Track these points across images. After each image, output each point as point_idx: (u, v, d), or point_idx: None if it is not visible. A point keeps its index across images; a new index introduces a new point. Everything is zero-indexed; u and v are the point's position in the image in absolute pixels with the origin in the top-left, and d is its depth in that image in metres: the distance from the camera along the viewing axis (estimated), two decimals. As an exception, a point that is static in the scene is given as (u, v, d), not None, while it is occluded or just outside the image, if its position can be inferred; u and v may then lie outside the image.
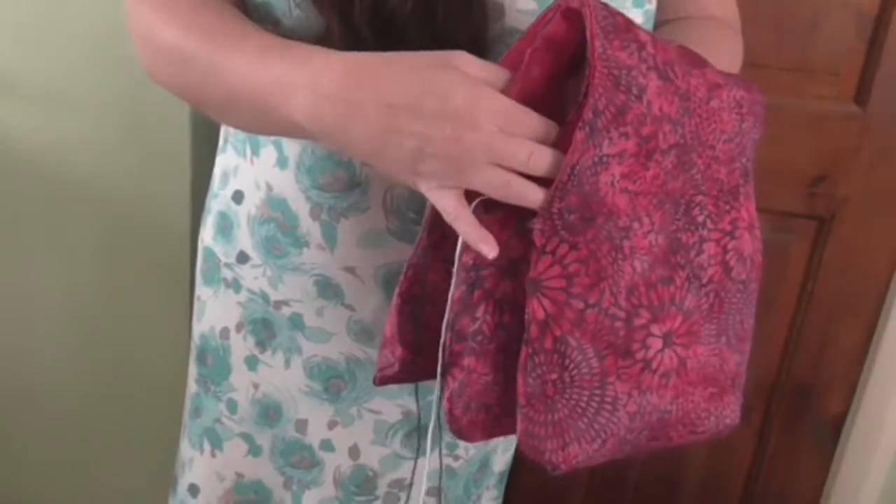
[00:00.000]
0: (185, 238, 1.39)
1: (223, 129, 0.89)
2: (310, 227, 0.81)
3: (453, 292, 0.68)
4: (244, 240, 0.86)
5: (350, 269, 0.82)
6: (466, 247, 0.66)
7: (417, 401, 0.85)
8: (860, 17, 1.34)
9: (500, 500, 1.07)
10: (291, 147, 0.80)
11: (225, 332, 0.89)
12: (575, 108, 0.63)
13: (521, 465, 1.60)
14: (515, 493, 1.64)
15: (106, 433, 1.56)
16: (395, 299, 0.73)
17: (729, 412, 0.77)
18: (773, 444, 1.59)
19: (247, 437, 0.92)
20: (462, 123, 0.60)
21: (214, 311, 0.90)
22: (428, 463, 0.91)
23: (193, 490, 0.97)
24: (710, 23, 0.86)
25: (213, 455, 0.94)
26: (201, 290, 0.92)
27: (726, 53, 0.84)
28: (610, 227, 0.65)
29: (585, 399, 0.68)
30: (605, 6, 0.63)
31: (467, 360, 0.69)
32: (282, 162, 0.81)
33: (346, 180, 0.78)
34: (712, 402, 0.74)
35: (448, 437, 0.92)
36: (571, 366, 0.66)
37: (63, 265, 1.44)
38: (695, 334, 0.71)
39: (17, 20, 1.29)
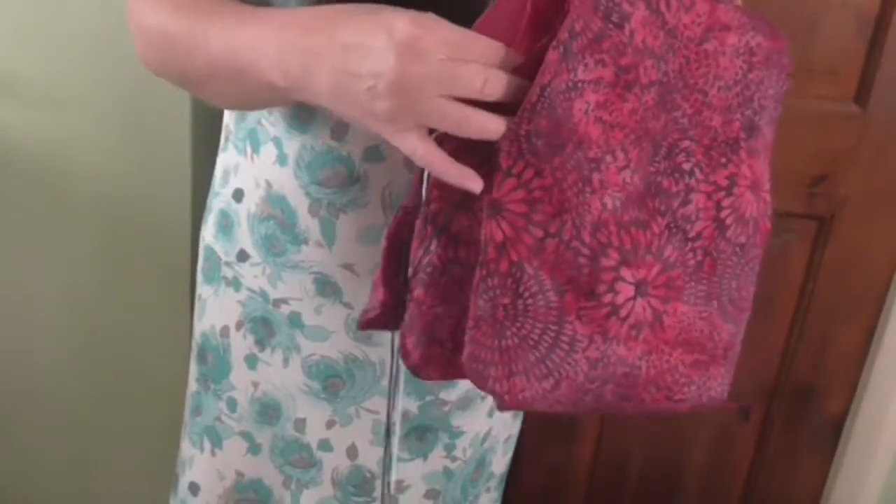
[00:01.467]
0: (186, 237, 1.39)
1: (224, 129, 0.89)
2: (309, 224, 0.81)
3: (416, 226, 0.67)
4: (244, 238, 0.86)
5: (349, 267, 0.82)
6: (431, 182, 0.65)
7: (390, 401, 0.86)
8: (860, 18, 1.34)
9: (499, 502, 1.07)
10: (291, 144, 0.80)
11: (225, 331, 0.89)
12: (549, 35, 0.61)
13: (521, 466, 1.61)
14: (515, 493, 1.64)
15: (107, 433, 1.56)
16: (382, 241, 0.71)
17: (716, 384, 0.73)
18: (774, 445, 1.59)
19: (247, 436, 0.92)
20: (408, 54, 0.58)
21: (215, 309, 0.90)
22: (426, 466, 0.92)
23: (194, 489, 0.97)
24: None
25: (214, 454, 0.94)
26: (202, 289, 0.92)
27: None
28: (579, 157, 0.63)
29: (539, 332, 0.65)
30: None
31: (417, 292, 0.67)
32: (281, 159, 0.81)
33: (345, 175, 0.78)
34: (696, 369, 0.71)
35: (446, 438, 0.92)
36: (527, 294, 0.64)
37: (64, 265, 1.44)
38: (676, 289, 0.68)
39: (17, 20, 1.29)
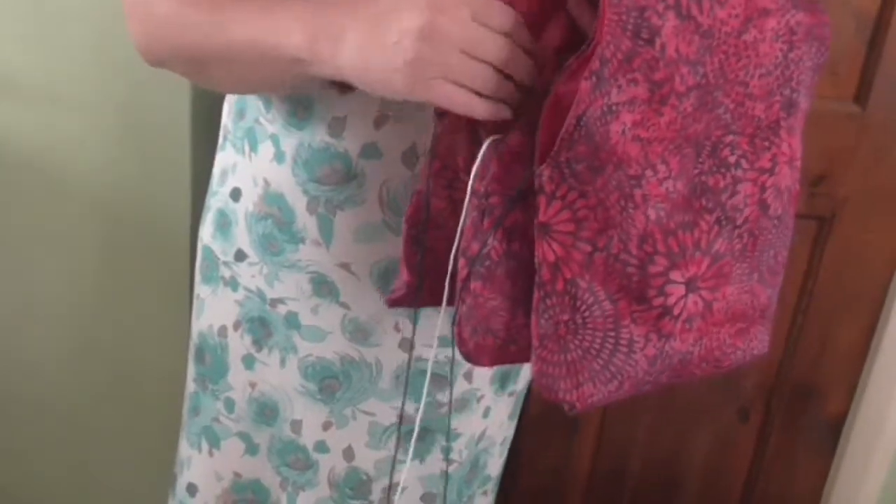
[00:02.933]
0: (185, 238, 1.39)
1: (223, 128, 0.89)
2: (306, 222, 0.81)
3: (464, 220, 0.68)
4: (242, 237, 0.86)
5: (346, 266, 0.82)
6: (479, 174, 0.66)
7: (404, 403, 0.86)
8: (859, 17, 1.34)
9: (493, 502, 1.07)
10: (288, 142, 0.80)
11: (223, 331, 0.89)
12: (576, 53, 0.62)
13: (521, 465, 1.61)
14: (515, 493, 1.64)
15: (106, 433, 1.56)
16: (403, 225, 0.73)
17: (757, 343, 0.75)
18: (774, 444, 1.59)
19: (244, 437, 0.92)
20: (436, 7, 0.61)
21: (213, 309, 0.90)
22: (424, 468, 0.92)
23: (192, 489, 0.97)
24: None
25: (211, 454, 0.94)
26: (200, 289, 0.92)
27: None
28: (620, 177, 0.64)
29: (599, 340, 0.68)
30: None
31: (474, 285, 0.68)
32: (279, 156, 0.81)
33: (343, 172, 0.79)
34: (739, 337, 0.73)
35: (443, 440, 0.92)
36: (583, 307, 0.66)
37: (63, 265, 1.44)
38: (725, 276, 0.70)
39: (17, 20, 1.29)
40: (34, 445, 1.58)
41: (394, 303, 0.77)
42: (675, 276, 0.67)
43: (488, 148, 0.66)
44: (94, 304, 1.46)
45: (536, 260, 0.65)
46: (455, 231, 0.69)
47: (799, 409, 1.56)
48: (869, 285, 1.47)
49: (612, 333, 0.68)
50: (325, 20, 0.66)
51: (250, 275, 0.86)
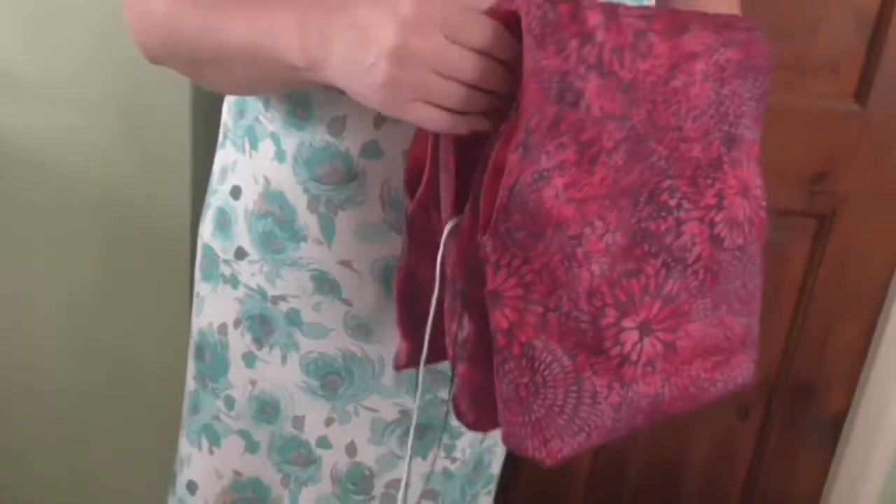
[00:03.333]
0: (185, 236, 1.39)
1: (223, 126, 0.89)
2: (307, 221, 0.81)
3: (440, 299, 0.70)
4: (242, 235, 0.86)
5: (347, 264, 0.82)
6: (445, 258, 0.67)
7: (420, 394, 0.85)
8: (860, 15, 1.34)
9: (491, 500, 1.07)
10: (289, 141, 0.80)
11: (223, 329, 0.89)
12: (507, 122, 0.63)
13: (521, 465, 1.61)
14: (515, 494, 1.64)
15: (106, 432, 1.56)
16: (394, 294, 0.75)
17: (740, 372, 0.76)
18: (774, 442, 1.59)
19: (244, 434, 0.92)
20: (409, 29, 0.61)
21: (213, 307, 0.90)
22: (426, 465, 0.92)
23: (192, 487, 0.97)
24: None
25: (211, 452, 0.94)
26: (200, 287, 0.92)
27: None
28: (560, 238, 0.65)
29: (562, 396, 0.68)
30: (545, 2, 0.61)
31: (460, 367, 0.70)
32: (280, 155, 0.81)
33: (344, 172, 0.78)
34: (718, 369, 0.74)
35: (445, 438, 0.92)
36: (542, 367, 0.67)
37: (63, 264, 1.44)
38: (684, 315, 0.71)
39: (17, 19, 1.30)
40: (34, 445, 1.58)
41: (399, 368, 0.79)
42: (627, 323, 0.68)
43: (448, 233, 0.67)
44: (94, 304, 1.46)
45: (491, 327, 0.65)
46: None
47: (799, 408, 1.56)
48: (869, 283, 1.47)
49: (575, 388, 0.68)
50: (313, 28, 0.66)
51: (250, 273, 0.86)
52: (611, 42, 0.62)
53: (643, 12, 0.64)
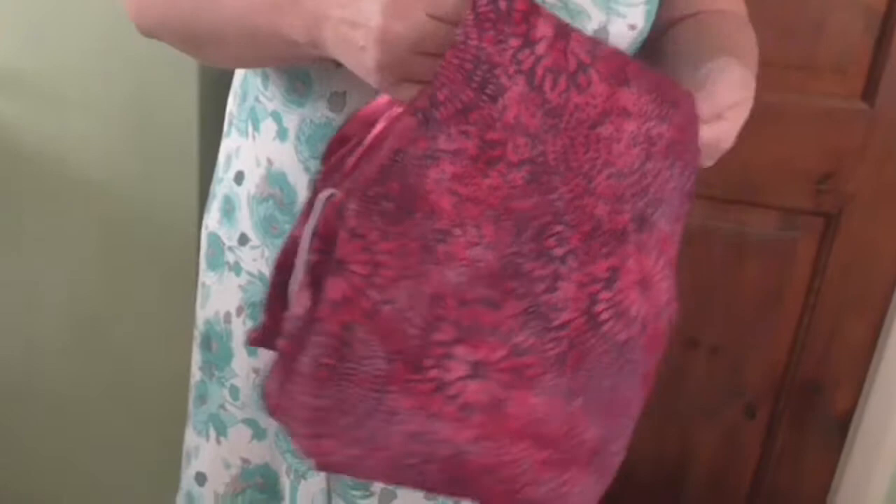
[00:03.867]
0: (193, 233, 1.40)
1: (227, 116, 0.90)
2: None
3: (294, 279, 0.67)
4: (244, 221, 0.87)
5: None
6: (316, 233, 0.64)
7: None
8: (868, 14, 1.34)
9: None
10: (290, 118, 0.81)
11: (228, 317, 0.90)
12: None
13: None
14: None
15: (109, 429, 1.56)
16: (271, 269, 0.69)
17: (576, 490, 0.67)
18: (781, 441, 1.59)
19: (250, 423, 0.92)
20: (391, 13, 0.61)
21: (219, 295, 0.91)
22: None
23: (200, 478, 0.97)
24: (728, 16, 0.87)
25: (219, 442, 0.95)
26: (206, 276, 0.93)
27: (746, 47, 0.84)
28: (426, 227, 0.61)
29: (356, 398, 0.63)
30: None
31: (282, 343, 0.65)
32: (281, 134, 0.82)
33: None
34: (548, 468, 0.66)
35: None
36: (353, 357, 0.62)
37: (70, 261, 1.45)
38: (527, 379, 0.63)
39: (23, 18, 1.30)
40: (36, 442, 1.59)
41: (254, 342, 0.74)
42: (460, 351, 0.62)
43: (323, 203, 0.64)
44: (100, 299, 1.47)
45: (322, 293, 0.61)
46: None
47: (806, 406, 1.56)
48: (876, 283, 1.47)
49: (375, 395, 0.62)
50: (309, 4, 0.66)
51: (252, 258, 0.87)
52: (550, 60, 0.60)
53: (596, 48, 0.61)
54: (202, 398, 0.95)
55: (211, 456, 0.96)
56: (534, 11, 0.59)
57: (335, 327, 0.61)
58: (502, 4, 0.58)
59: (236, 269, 0.88)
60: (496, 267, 0.62)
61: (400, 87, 0.63)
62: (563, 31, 0.60)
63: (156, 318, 1.46)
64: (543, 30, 0.59)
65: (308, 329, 0.63)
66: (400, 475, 0.66)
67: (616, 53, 0.62)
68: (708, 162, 0.72)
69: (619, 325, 0.65)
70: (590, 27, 0.74)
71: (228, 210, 0.89)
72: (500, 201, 0.62)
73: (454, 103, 0.60)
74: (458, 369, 0.62)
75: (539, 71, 0.60)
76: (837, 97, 1.39)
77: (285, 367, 0.64)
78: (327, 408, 0.63)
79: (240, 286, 0.89)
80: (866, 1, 1.33)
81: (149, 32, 0.80)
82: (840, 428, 1.56)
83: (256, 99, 0.84)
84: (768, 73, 1.35)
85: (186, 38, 0.77)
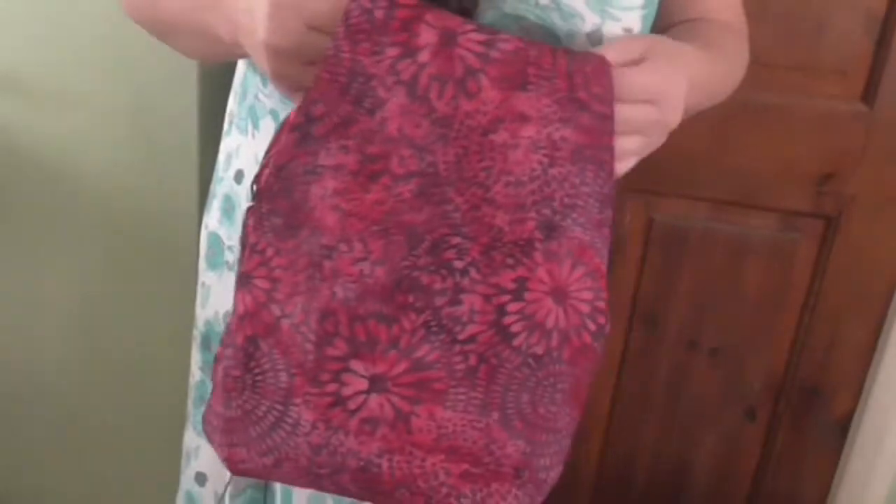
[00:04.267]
0: (193, 233, 1.40)
1: (228, 115, 0.90)
2: None
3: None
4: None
5: None
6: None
7: None
8: (868, 16, 1.34)
9: None
10: (287, 114, 0.81)
11: (228, 317, 0.90)
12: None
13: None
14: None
15: (112, 430, 1.56)
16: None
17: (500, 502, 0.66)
18: (781, 443, 1.58)
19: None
20: (271, 27, 0.61)
21: (218, 296, 0.91)
22: None
23: (201, 479, 0.97)
24: (717, 24, 0.87)
25: (218, 442, 0.94)
26: (205, 276, 0.93)
27: (732, 55, 0.84)
28: (312, 243, 0.61)
29: (264, 409, 0.64)
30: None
31: (219, 348, 0.68)
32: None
33: None
34: (467, 481, 0.65)
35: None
36: (257, 370, 0.63)
37: (71, 262, 1.45)
38: (434, 392, 0.63)
39: (22, 18, 1.30)
40: (39, 443, 1.59)
41: None
42: (357, 366, 0.62)
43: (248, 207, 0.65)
44: (101, 302, 1.47)
45: (231, 306, 0.62)
46: None
47: (806, 409, 1.56)
48: (876, 285, 1.46)
49: (280, 407, 0.63)
50: (226, 6, 0.68)
51: None
52: (435, 68, 0.58)
53: (489, 49, 0.59)
54: (202, 398, 0.95)
55: (211, 456, 0.96)
56: (416, 18, 0.58)
57: (241, 340, 0.63)
58: (378, 14, 0.57)
59: (235, 268, 0.88)
60: (388, 281, 0.62)
61: (296, 95, 0.64)
62: (450, 36, 0.58)
63: (157, 318, 1.46)
64: (427, 37, 0.58)
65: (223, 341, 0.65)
66: (317, 483, 0.66)
67: (517, 52, 0.60)
68: (654, 138, 0.69)
69: (533, 337, 0.63)
70: (583, 29, 0.73)
71: (228, 209, 0.89)
72: (385, 215, 0.61)
73: (331, 118, 0.59)
74: (355, 383, 0.63)
75: (423, 80, 0.58)
76: (838, 99, 1.39)
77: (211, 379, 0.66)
78: (237, 418, 0.64)
79: None
80: (866, 3, 1.33)
81: (137, 23, 0.85)
82: (840, 431, 1.56)
83: (256, 97, 0.84)
84: (768, 75, 1.36)
85: (157, 32, 0.82)
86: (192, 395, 0.97)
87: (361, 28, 0.57)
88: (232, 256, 0.89)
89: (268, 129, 0.83)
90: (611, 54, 0.63)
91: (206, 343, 0.93)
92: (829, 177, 1.42)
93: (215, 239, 0.91)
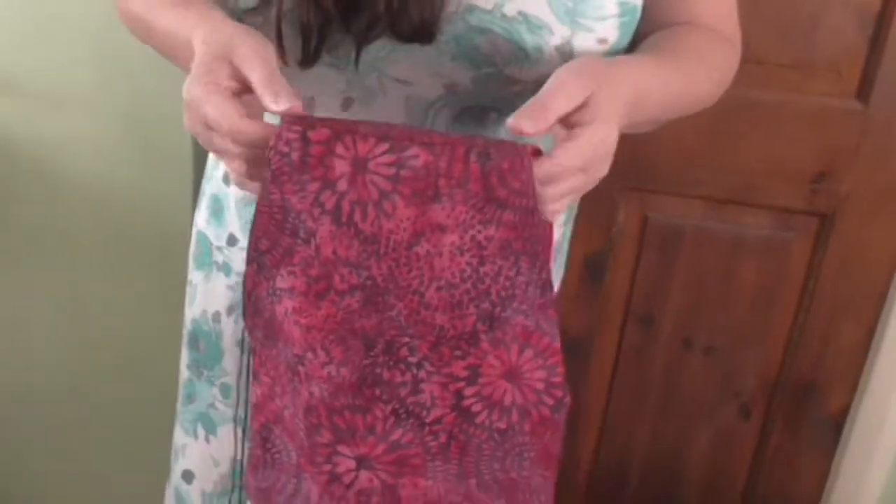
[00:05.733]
0: (187, 234, 1.40)
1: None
2: None
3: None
4: (233, 222, 0.86)
5: None
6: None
7: None
8: (862, 14, 1.34)
9: None
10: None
11: (217, 316, 0.90)
12: None
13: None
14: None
15: (106, 428, 1.56)
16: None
17: None
18: (775, 442, 1.58)
19: (241, 421, 0.92)
20: (188, 102, 0.64)
21: (206, 295, 0.91)
22: None
23: (188, 476, 0.97)
24: (702, 31, 0.82)
25: (208, 440, 0.94)
26: (193, 275, 0.93)
27: (710, 63, 0.80)
28: (287, 352, 0.68)
29: (283, 482, 0.74)
30: (298, 139, 0.61)
31: (252, 422, 0.79)
32: None
33: None
34: None
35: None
36: (273, 450, 0.73)
37: (65, 262, 1.45)
38: (412, 466, 0.71)
39: (17, 19, 1.30)
40: (33, 442, 1.59)
41: None
42: (343, 449, 0.71)
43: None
44: (95, 300, 1.47)
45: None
46: None
47: (800, 407, 1.56)
48: (871, 283, 1.46)
49: (294, 480, 0.73)
50: (193, 43, 0.68)
51: (241, 259, 0.87)
52: (353, 194, 0.62)
53: (399, 169, 0.62)
54: (190, 397, 0.95)
55: (199, 454, 0.96)
56: (329, 153, 0.61)
57: (257, 426, 0.74)
58: (295, 157, 0.61)
59: (225, 269, 0.88)
60: (354, 379, 0.69)
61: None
62: (362, 163, 0.62)
63: (151, 317, 1.46)
64: (341, 168, 0.62)
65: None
66: None
67: (427, 167, 0.62)
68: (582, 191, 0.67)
69: (494, 414, 0.69)
70: (552, 42, 0.71)
71: (217, 210, 0.89)
72: (339, 325, 0.67)
73: (277, 250, 0.65)
74: (345, 463, 0.71)
75: (345, 206, 0.63)
76: (832, 97, 1.39)
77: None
78: (266, 488, 0.75)
79: (229, 286, 0.88)
80: (860, 1, 1.33)
81: (125, 24, 0.86)
82: (834, 428, 1.56)
83: None
84: (763, 73, 1.36)
85: (143, 34, 0.82)
86: (180, 393, 0.97)
87: (283, 171, 0.62)
88: (221, 257, 0.89)
89: None
90: (558, 104, 0.61)
91: (193, 342, 0.93)
92: (823, 175, 1.42)
93: (203, 238, 0.91)
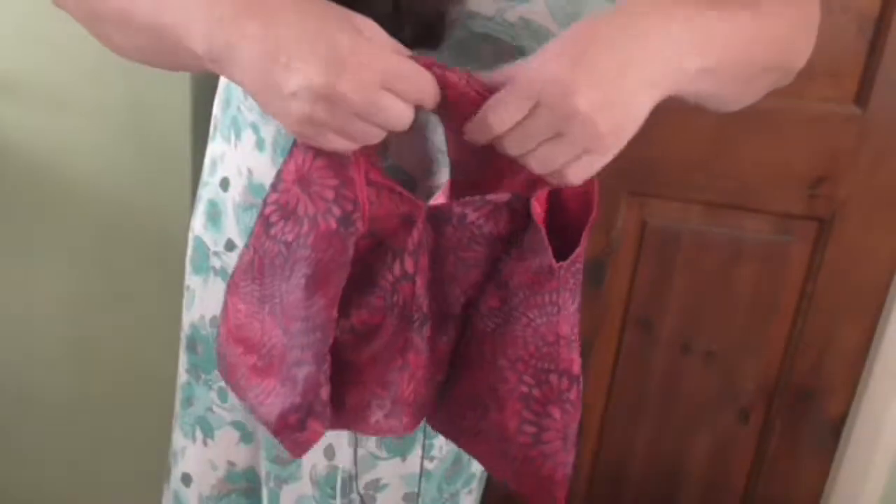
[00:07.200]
0: (185, 236, 1.40)
1: (213, 118, 0.90)
2: None
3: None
4: (231, 227, 0.86)
5: None
6: None
7: None
8: (861, 19, 1.34)
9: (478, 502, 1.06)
10: (267, 129, 0.80)
11: (214, 321, 0.90)
12: None
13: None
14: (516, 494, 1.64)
15: (105, 430, 1.56)
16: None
17: (268, 401, 0.75)
18: (774, 446, 1.58)
19: (238, 425, 0.92)
20: (339, 71, 0.57)
21: (204, 299, 0.91)
22: (405, 466, 0.92)
23: (186, 479, 0.97)
24: None
25: (206, 444, 0.95)
26: (191, 280, 0.93)
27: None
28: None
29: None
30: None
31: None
32: (259, 144, 0.81)
33: None
34: (256, 375, 0.76)
35: (423, 437, 0.92)
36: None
37: (64, 264, 1.45)
38: (232, 285, 0.76)
39: (17, 21, 1.30)
40: (32, 443, 1.59)
41: None
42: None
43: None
44: (94, 303, 1.47)
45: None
46: None
47: (799, 411, 1.56)
48: (869, 287, 1.46)
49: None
50: (219, 23, 0.60)
51: None
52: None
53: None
54: (189, 400, 0.95)
55: (197, 458, 0.96)
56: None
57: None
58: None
59: (223, 274, 0.88)
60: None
61: (319, 137, 0.60)
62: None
63: (148, 319, 1.46)
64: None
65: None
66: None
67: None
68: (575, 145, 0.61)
69: (287, 226, 0.68)
70: None
71: (214, 215, 0.89)
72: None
73: None
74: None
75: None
76: (830, 101, 1.39)
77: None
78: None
79: None
80: (859, 5, 1.33)
81: (61, 5, 0.75)
82: (833, 433, 1.56)
83: (238, 108, 0.83)
84: (761, 78, 1.36)
85: (93, 17, 0.72)
86: (179, 396, 0.98)
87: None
88: (219, 262, 0.89)
89: (248, 141, 0.82)
90: (499, 119, 0.60)
91: (191, 346, 0.93)
92: (821, 179, 1.42)
93: (199, 243, 0.91)
